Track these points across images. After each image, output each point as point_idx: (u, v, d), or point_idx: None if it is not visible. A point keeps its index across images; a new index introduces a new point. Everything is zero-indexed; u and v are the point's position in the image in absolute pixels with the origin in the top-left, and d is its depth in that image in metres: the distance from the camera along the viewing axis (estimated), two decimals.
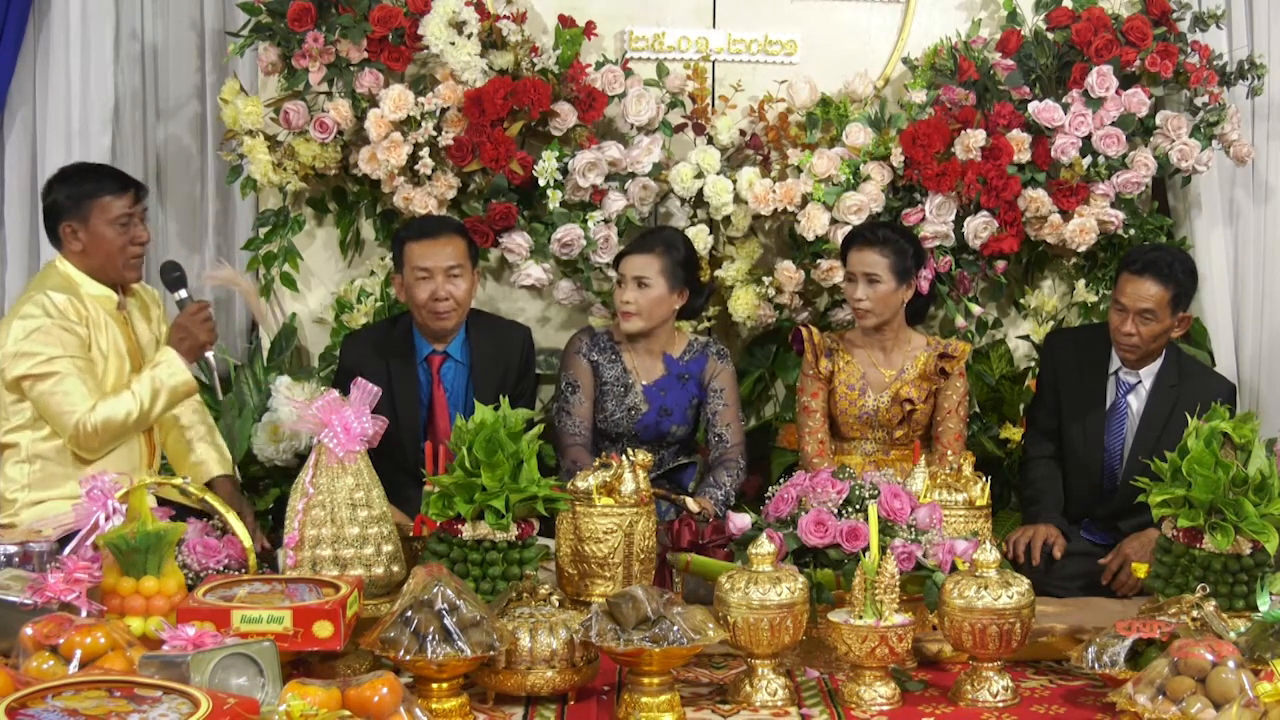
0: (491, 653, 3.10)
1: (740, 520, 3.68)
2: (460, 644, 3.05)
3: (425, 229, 4.40)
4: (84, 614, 3.09)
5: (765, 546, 3.29)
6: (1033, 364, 5.02)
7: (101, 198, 3.96)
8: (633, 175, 4.78)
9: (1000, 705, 3.23)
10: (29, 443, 3.93)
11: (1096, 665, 3.26)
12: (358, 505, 3.49)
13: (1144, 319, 4.25)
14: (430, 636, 3.04)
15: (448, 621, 3.06)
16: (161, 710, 2.51)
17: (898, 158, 4.80)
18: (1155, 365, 4.39)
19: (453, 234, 4.38)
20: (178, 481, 3.66)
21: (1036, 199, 4.81)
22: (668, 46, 5.01)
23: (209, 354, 4.01)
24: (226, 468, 4.21)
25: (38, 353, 3.85)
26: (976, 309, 4.94)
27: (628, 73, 4.87)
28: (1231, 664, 2.96)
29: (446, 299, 4.30)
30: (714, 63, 5.04)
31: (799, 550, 3.53)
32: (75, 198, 3.97)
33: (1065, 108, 4.83)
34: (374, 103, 4.75)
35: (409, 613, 3.10)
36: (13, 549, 3.36)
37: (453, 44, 4.72)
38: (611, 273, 4.72)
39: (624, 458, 3.72)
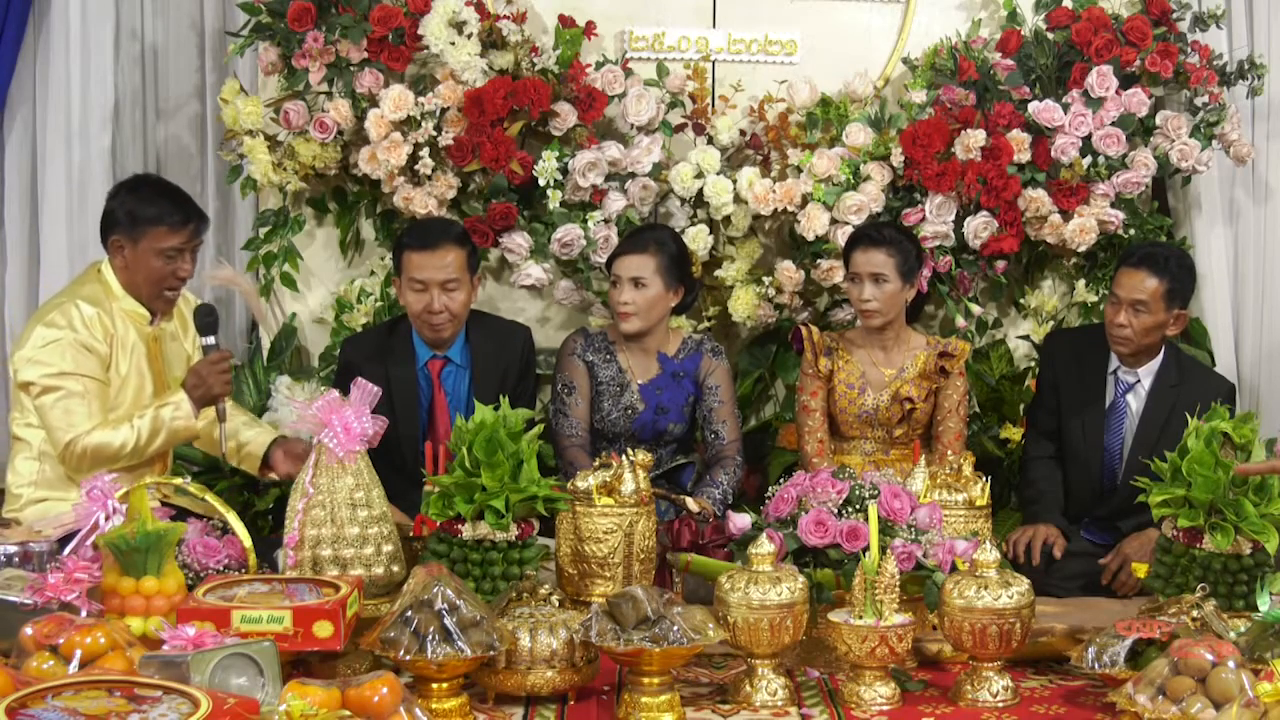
0: (491, 653, 3.10)
1: (740, 520, 3.68)
2: (460, 644, 3.04)
3: (424, 239, 4.28)
4: (84, 614, 3.09)
5: (765, 546, 3.29)
6: (1033, 364, 5.02)
7: (159, 227, 3.91)
8: (633, 175, 4.78)
9: (1000, 705, 3.23)
10: (39, 441, 3.94)
11: (1096, 665, 3.26)
12: (358, 505, 3.49)
13: (1136, 310, 4.25)
14: (430, 636, 3.04)
15: (448, 621, 3.06)
16: (161, 710, 2.51)
17: (898, 158, 4.80)
18: (1155, 365, 4.39)
19: (451, 244, 4.27)
20: (178, 481, 3.66)
21: (1036, 199, 4.81)
22: (668, 46, 5.02)
23: (223, 405, 3.94)
24: (277, 431, 4.22)
25: (50, 364, 3.84)
26: (976, 309, 4.94)
27: (628, 73, 4.87)
28: (1231, 664, 2.96)
29: (441, 312, 4.27)
30: (714, 63, 5.04)
31: (799, 550, 3.53)
32: (134, 217, 3.92)
33: (1065, 108, 4.83)
34: (374, 103, 4.75)
35: (409, 613, 3.10)
36: (13, 549, 3.36)
37: (453, 44, 4.72)
38: None
39: (624, 458, 3.72)
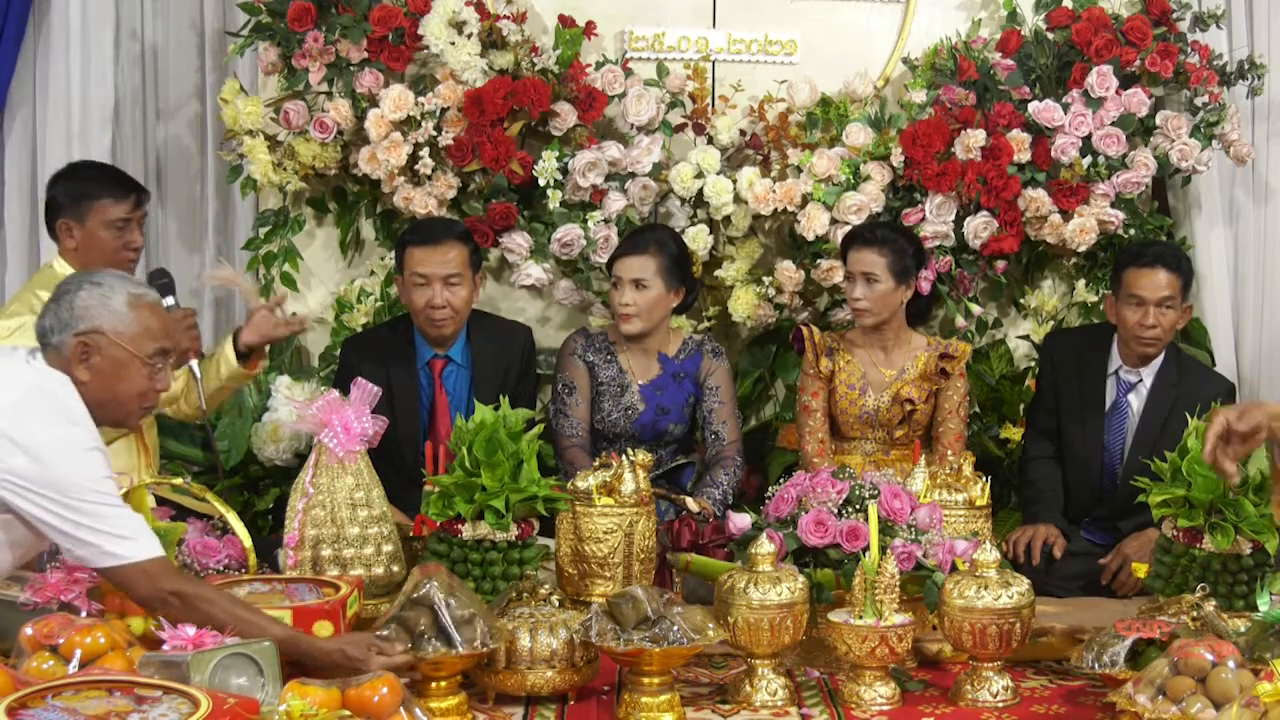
0: (485, 649, 3.09)
1: (740, 520, 3.68)
2: (454, 641, 3.04)
3: (427, 234, 4.33)
4: (84, 614, 3.09)
5: (765, 546, 3.29)
6: (1033, 364, 5.02)
7: (101, 200, 3.96)
8: (633, 175, 4.78)
9: (1000, 705, 3.23)
10: None
11: (1096, 665, 3.26)
12: (358, 505, 3.49)
13: (1164, 308, 4.27)
14: (423, 635, 3.04)
15: (441, 619, 3.06)
16: (161, 710, 2.51)
17: (898, 158, 4.80)
18: (1155, 364, 4.39)
19: (455, 241, 4.31)
20: (178, 481, 3.66)
21: (1036, 199, 4.81)
22: (668, 46, 5.01)
23: (193, 363, 3.95)
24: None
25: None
26: (976, 309, 4.94)
27: (628, 73, 4.87)
28: (1231, 664, 2.96)
29: (443, 307, 4.28)
30: (714, 63, 5.04)
31: (799, 550, 3.53)
32: (75, 196, 3.97)
33: (1065, 108, 4.82)
34: (374, 103, 4.75)
35: (402, 612, 3.10)
36: None
37: (453, 44, 4.72)
38: None
39: (624, 458, 3.72)
